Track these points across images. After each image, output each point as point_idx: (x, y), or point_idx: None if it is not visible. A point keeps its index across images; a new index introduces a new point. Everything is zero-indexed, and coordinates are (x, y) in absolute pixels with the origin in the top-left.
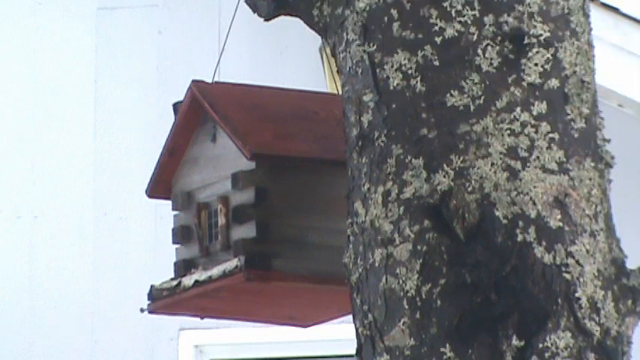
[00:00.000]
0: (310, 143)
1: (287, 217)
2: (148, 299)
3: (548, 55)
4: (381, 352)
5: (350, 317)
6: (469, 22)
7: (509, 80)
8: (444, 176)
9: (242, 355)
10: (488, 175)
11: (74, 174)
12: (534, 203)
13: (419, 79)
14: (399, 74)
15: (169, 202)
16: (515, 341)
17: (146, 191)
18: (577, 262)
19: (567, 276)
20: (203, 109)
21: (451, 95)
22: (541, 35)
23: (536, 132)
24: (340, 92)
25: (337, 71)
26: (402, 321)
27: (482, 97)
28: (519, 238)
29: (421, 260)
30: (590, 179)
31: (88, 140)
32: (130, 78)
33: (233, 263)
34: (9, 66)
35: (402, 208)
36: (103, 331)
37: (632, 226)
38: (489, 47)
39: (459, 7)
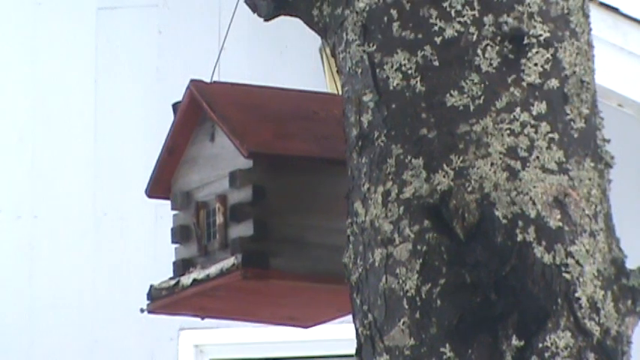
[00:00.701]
0: (310, 143)
1: (285, 215)
2: (148, 299)
3: (548, 55)
4: (380, 352)
5: (350, 317)
6: (469, 22)
7: (509, 80)
8: (444, 176)
9: (242, 355)
10: (488, 175)
11: (74, 174)
12: (534, 203)
13: (419, 79)
14: (398, 74)
15: (169, 202)
16: (515, 341)
17: (146, 191)
18: (577, 262)
19: (567, 276)
20: (202, 109)
21: (451, 95)
22: (541, 35)
23: (536, 132)
24: (340, 92)
25: (337, 71)
26: (401, 321)
27: (482, 97)
28: (519, 238)
29: (421, 260)
30: (589, 179)
31: (88, 140)
32: (130, 78)
33: (230, 261)
34: (9, 66)
35: (401, 208)
36: (103, 331)
37: (632, 226)
38: (489, 47)
39: (459, 7)
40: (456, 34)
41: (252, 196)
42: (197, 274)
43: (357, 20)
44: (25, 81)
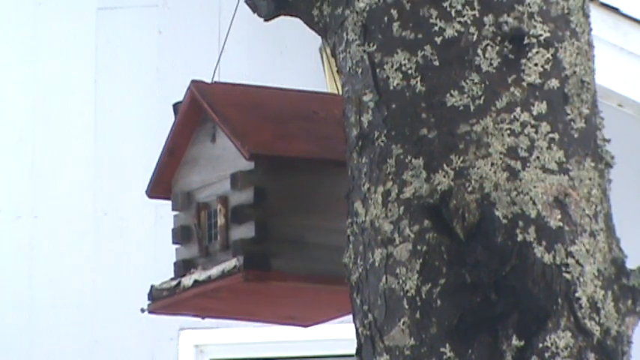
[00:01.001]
0: (310, 143)
1: (286, 217)
2: (148, 299)
3: (548, 55)
4: (381, 351)
5: (350, 317)
6: (469, 22)
7: (509, 80)
8: (444, 176)
9: (242, 355)
10: (488, 175)
11: (74, 174)
12: (534, 203)
13: (419, 79)
14: (399, 74)
15: (169, 202)
16: (515, 341)
17: (146, 191)
18: (577, 262)
19: (567, 276)
20: (202, 110)
21: (451, 95)
22: (541, 35)
23: (536, 132)
24: (340, 92)
25: (337, 71)
26: (402, 321)
27: (482, 97)
28: (519, 238)
29: (421, 260)
30: (590, 179)
31: (88, 140)
32: (130, 78)
33: (232, 263)
34: (9, 66)
35: (402, 208)
36: (103, 331)
37: (632, 226)
38: (489, 47)
39: (459, 7)
40: (456, 34)
41: (254, 198)
42: (198, 275)
43: (358, 20)
44: (25, 81)
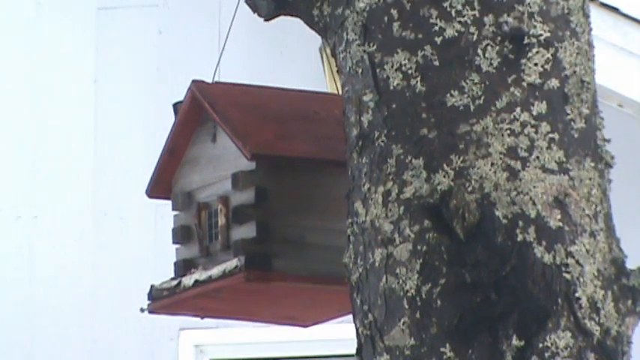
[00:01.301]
0: (310, 143)
1: (287, 217)
2: (148, 299)
3: (548, 55)
4: (381, 351)
5: (350, 317)
6: (469, 22)
7: (509, 80)
8: (444, 176)
9: (242, 355)
10: (488, 175)
11: (74, 174)
12: (534, 203)
13: (419, 79)
14: (399, 74)
15: (169, 202)
16: (515, 341)
17: (146, 191)
18: (577, 262)
19: (567, 276)
20: (203, 109)
21: (451, 95)
22: (541, 35)
23: (536, 132)
24: (340, 92)
25: (337, 71)
26: (402, 321)
27: (482, 97)
28: (519, 238)
29: (421, 260)
30: (590, 179)
31: (88, 140)
32: (130, 78)
33: (233, 263)
34: (9, 66)
35: (402, 208)
36: (103, 331)
37: (632, 226)
38: (489, 47)
39: (459, 7)
40: (456, 34)
41: (255, 198)
42: (199, 275)
43: (358, 20)
44: (25, 81)
